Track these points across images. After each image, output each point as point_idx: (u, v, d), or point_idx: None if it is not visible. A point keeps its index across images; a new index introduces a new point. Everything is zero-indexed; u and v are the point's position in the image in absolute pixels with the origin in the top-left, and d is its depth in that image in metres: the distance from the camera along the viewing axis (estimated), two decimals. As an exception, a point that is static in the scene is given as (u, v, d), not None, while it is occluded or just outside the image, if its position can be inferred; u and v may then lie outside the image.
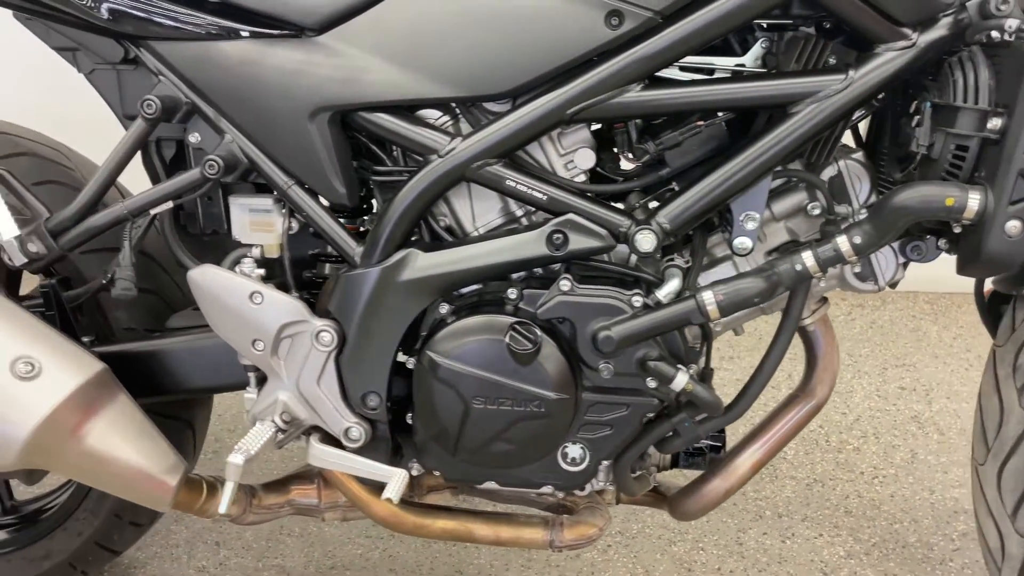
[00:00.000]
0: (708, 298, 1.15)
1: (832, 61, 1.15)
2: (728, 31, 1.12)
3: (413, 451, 1.31)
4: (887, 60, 1.10)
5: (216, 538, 1.89)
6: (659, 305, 1.18)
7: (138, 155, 1.30)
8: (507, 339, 1.15)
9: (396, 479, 1.23)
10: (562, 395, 1.19)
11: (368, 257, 1.22)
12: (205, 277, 1.25)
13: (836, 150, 1.22)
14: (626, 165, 1.29)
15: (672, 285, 1.20)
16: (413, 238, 1.24)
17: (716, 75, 1.19)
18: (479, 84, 1.16)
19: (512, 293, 1.20)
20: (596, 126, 1.26)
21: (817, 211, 1.23)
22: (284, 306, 1.23)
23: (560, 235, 1.18)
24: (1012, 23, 1.02)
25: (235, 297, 1.24)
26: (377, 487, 1.34)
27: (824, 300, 1.35)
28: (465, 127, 1.22)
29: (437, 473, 1.32)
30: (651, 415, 1.25)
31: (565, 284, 1.18)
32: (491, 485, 1.32)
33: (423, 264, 1.20)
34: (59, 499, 1.67)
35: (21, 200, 1.28)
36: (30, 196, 1.29)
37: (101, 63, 1.30)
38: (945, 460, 2.19)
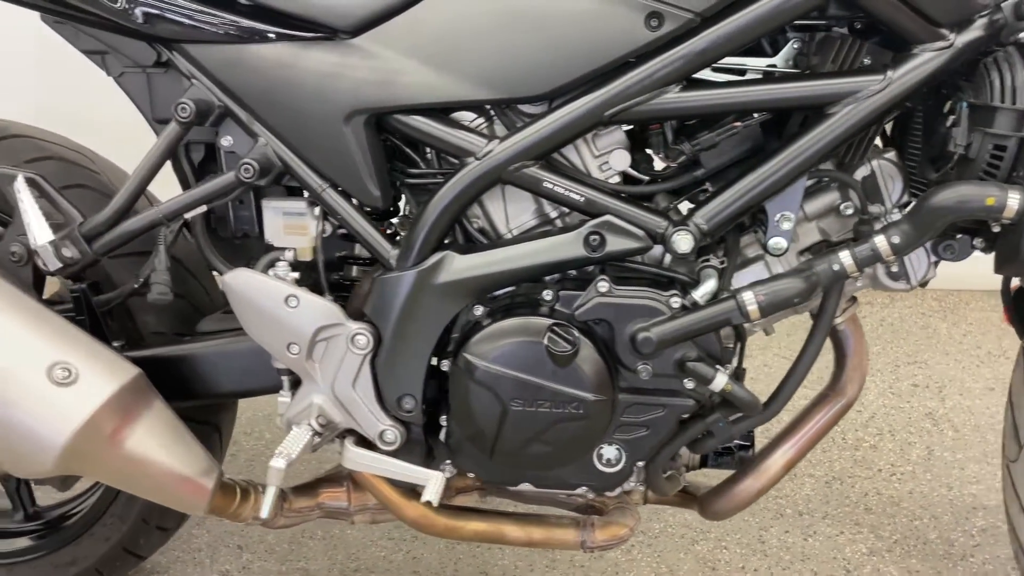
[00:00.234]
0: (749, 298, 1.15)
1: (867, 62, 1.16)
2: (767, 32, 1.13)
3: (445, 453, 1.31)
4: (925, 60, 1.11)
5: (238, 542, 1.88)
6: (696, 306, 1.18)
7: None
8: (545, 341, 1.15)
9: (434, 481, 1.23)
10: (600, 396, 1.19)
11: (404, 260, 1.21)
12: (239, 280, 1.25)
13: (869, 150, 1.23)
14: (658, 165, 1.29)
15: (708, 286, 1.20)
16: (447, 240, 1.24)
17: (748, 76, 1.19)
18: (516, 86, 1.16)
19: (547, 295, 1.20)
20: (628, 127, 1.26)
21: (850, 211, 1.23)
22: (319, 309, 1.23)
23: (597, 236, 1.18)
24: None
25: (270, 300, 1.23)
26: (408, 489, 1.34)
27: (854, 299, 1.35)
28: (500, 129, 1.22)
29: (472, 475, 1.32)
30: (686, 415, 1.25)
31: (603, 285, 1.18)
32: (526, 487, 1.32)
33: (460, 266, 1.20)
34: (83, 505, 1.66)
35: (54, 204, 1.28)
36: (63, 201, 1.28)
37: (131, 66, 1.30)
38: (961, 456, 2.20)
